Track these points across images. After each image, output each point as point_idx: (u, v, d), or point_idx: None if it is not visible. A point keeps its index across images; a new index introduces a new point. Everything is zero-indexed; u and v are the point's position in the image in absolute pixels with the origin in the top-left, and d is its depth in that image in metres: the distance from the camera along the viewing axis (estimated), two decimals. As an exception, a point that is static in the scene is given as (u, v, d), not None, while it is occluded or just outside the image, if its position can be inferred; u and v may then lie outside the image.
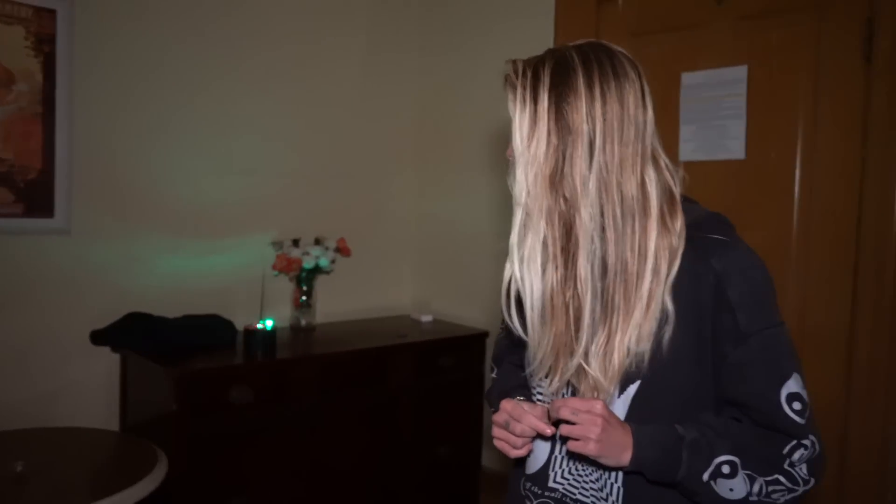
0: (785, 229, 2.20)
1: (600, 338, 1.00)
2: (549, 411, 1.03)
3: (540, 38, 2.77)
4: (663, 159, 1.04)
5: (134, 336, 2.35)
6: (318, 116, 2.96)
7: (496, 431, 1.08)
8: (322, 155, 2.98)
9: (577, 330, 1.01)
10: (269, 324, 2.44)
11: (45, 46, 2.23)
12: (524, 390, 1.19)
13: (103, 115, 2.40)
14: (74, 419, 2.35)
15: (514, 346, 1.28)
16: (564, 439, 1.02)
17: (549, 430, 1.02)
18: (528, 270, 1.01)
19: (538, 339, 1.04)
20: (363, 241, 3.06)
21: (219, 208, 2.70)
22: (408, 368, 2.69)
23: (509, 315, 1.06)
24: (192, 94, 2.60)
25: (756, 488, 0.99)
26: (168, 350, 2.32)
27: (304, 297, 2.82)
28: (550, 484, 1.13)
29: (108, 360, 2.44)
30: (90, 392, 2.41)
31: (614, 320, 1.00)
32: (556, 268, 1.00)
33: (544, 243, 1.00)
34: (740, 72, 2.31)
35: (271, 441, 2.33)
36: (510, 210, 3.29)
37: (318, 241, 2.83)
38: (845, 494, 2.09)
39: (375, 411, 2.61)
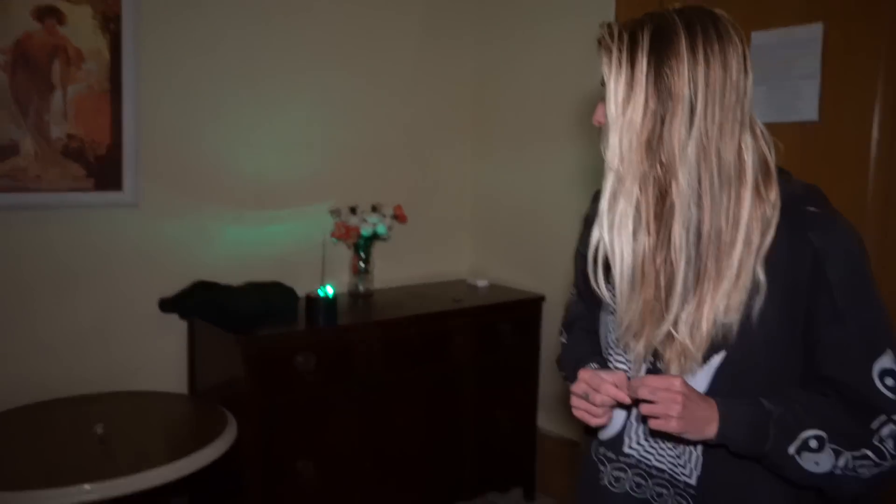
0: (859, 195, 2.10)
1: (691, 305, 0.99)
2: (627, 379, 1.03)
3: (600, 6, 2.69)
4: (760, 127, 1.02)
5: (201, 304, 2.44)
6: (376, 87, 2.96)
7: (575, 401, 1.08)
8: (380, 125, 2.99)
9: (668, 297, 1.00)
10: (329, 291, 2.49)
11: (111, 25, 2.28)
12: (598, 357, 1.20)
13: (168, 91, 2.45)
14: (148, 384, 2.47)
15: (587, 312, 1.28)
16: (641, 406, 1.02)
17: (628, 399, 1.02)
18: (618, 236, 1.00)
19: (626, 306, 1.03)
20: (420, 209, 3.08)
21: (279, 179, 2.74)
22: (467, 333, 2.71)
23: (596, 280, 1.06)
24: (252, 69, 2.63)
25: (842, 462, 0.98)
26: (233, 317, 2.40)
27: (361, 264, 2.86)
28: (625, 449, 1.14)
29: (177, 328, 2.54)
30: (161, 358, 2.52)
31: (705, 288, 0.99)
32: (649, 234, 0.99)
33: (637, 209, 0.99)
34: (815, 30, 2.19)
35: (335, 405, 2.40)
36: (567, 178, 3.24)
37: (375, 209, 2.86)
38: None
39: (435, 376, 2.65)
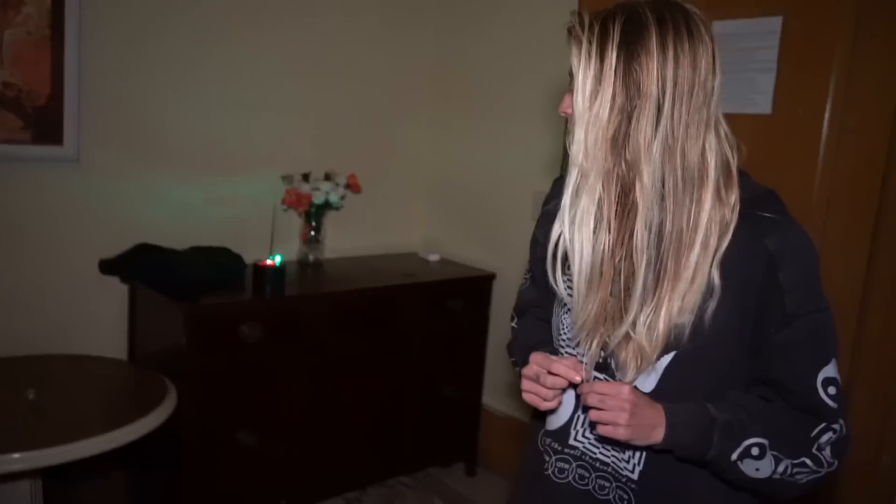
0: (806, 189, 2.15)
1: (649, 306, 0.99)
2: (579, 363, 1.03)
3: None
4: (724, 128, 1.01)
5: (144, 268, 2.35)
6: (334, 52, 2.87)
7: (526, 384, 1.08)
8: (336, 92, 2.91)
9: (627, 297, 0.99)
10: (278, 259, 2.43)
11: (53, -34, 2.14)
12: (549, 346, 1.19)
13: (113, 43, 2.33)
14: (84, 348, 2.38)
15: (541, 299, 1.27)
16: (590, 412, 1.02)
17: (578, 378, 1.02)
18: (578, 232, 0.99)
19: (582, 303, 1.03)
20: (375, 180, 3.03)
21: (230, 142, 2.65)
22: (416, 308, 2.70)
23: (554, 276, 1.05)
24: (204, 26, 2.52)
25: (781, 468, 1.00)
26: (178, 283, 2.32)
27: (312, 233, 2.81)
28: (571, 441, 1.15)
29: (117, 291, 2.45)
30: (100, 322, 2.44)
31: (664, 290, 0.98)
32: (609, 232, 0.98)
33: (598, 206, 0.98)
34: (774, 23, 2.21)
35: (279, 377, 2.37)
36: (524, 157, 3.24)
37: (328, 177, 2.80)
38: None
39: (383, 349, 2.63)
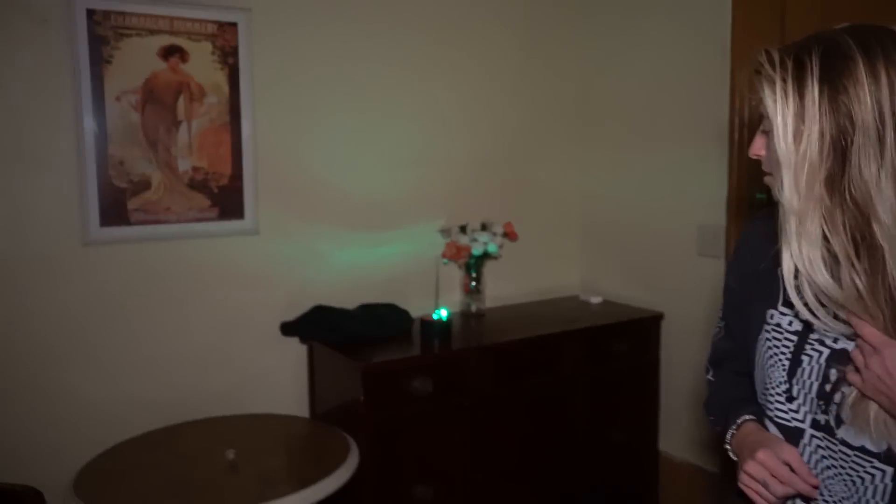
0: None
1: None
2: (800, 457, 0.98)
3: (712, 6, 2.57)
4: None
5: (320, 328, 2.47)
6: (478, 99, 2.93)
7: (748, 481, 1.02)
8: (484, 138, 2.96)
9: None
10: (443, 314, 2.47)
11: (229, 59, 2.36)
12: (752, 406, 1.12)
13: (278, 119, 2.51)
14: (270, 406, 2.52)
15: (736, 350, 1.19)
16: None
17: (815, 493, 0.96)
18: (817, 279, 0.91)
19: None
20: (528, 223, 3.02)
21: (388, 199, 2.76)
22: (580, 354, 2.64)
23: (815, 316, 0.96)
24: (356, 87, 2.65)
25: None
26: (350, 340, 2.42)
27: (473, 283, 2.84)
28: None
29: (297, 351, 2.59)
30: (282, 381, 2.58)
31: None
32: (859, 275, 0.90)
33: (825, 249, 0.90)
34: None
35: (450, 429, 2.38)
36: (678, 185, 3.10)
37: (484, 227, 2.83)
38: None
39: (549, 398, 2.59)
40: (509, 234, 2.86)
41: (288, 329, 2.52)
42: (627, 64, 2.97)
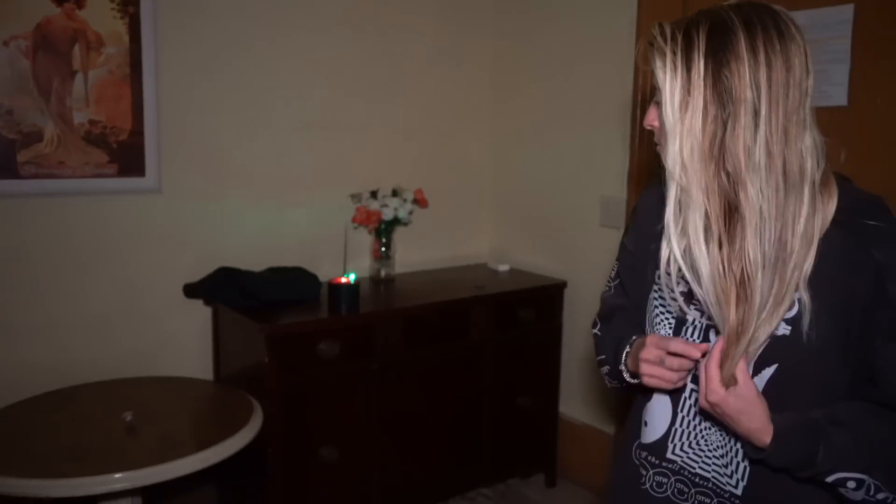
0: (890, 182, 2.07)
1: (763, 320, 0.96)
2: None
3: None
4: (816, 131, 0.97)
5: (225, 291, 2.43)
6: (393, 68, 2.92)
7: (647, 368, 1.05)
8: (398, 107, 2.96)
9: (748, 311, 0.96)
10: (351, 278, 2.48)
11: (130, 8, 2.25)
12: (639, 335, 1.17)
13: (186, 75, 2.43)
14: (173, 369, 2.48)
15: (628, 304, 1.26)
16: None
17: (698, 354, 1.00)
18: (694, 250, 0.96)
19: (719, 321, 0.99)
20: (440, 192, 3.06)
21: (299, 164, 2.72)
22: (487, 319, 2.71)
23: (672, 292, 1.03)
24: (270, 52, 2.60)
25: (881, 496, 0.97)
26: (257, 304, 2.39)
27: (383, 249, 2.85)
28: (668, 455, 1.13)
29: (201, 314, 2.54)
30: (186, 344, 2.53)
31: (775, 303, 0.95)
32: (721, 247, 0.95)
33: (705, 220, 0.95)
34: (845, 11, 2.14)
35: (358, 392, 2.41)
36: (589, 159, 3.20)
37: (395, 193, 2.84)
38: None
39: (456, 362, 2.65)
40: (420, 201, 2.88)
41: (191, 291, 2.47)
42: (539, 38, 3.02)
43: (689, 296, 1.06)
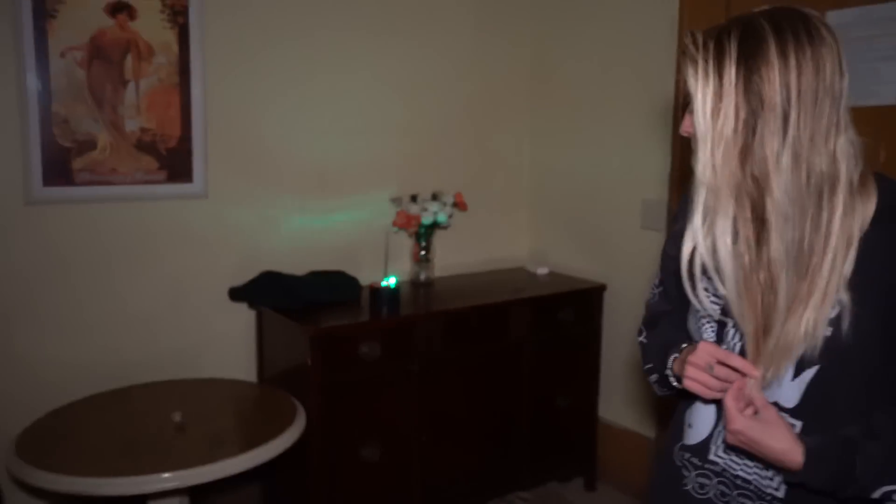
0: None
1: (789, 321, 0.97)
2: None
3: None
4: (853, 131, 0.97)
5: (268, 293, 2.48)
6: (432, 71, 2.94)
7: (692, 372, 1.06)
8: (438, 110, 2.98)
9: (771, 313, 0.97)
10: (392, 282, 2.51)
11: (179, 18, 2.31)
12: (691, 343, 1.17)
13: (231, 82, 2.48)
14: (218, 370, 2.53)
15: (673, 311, 1.26)
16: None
17: (756, 373, 1.00)
18: (720, 251, 0.98)
19: (740, 322, 1.02)
20: (479, 195, 3.07)
21: (340, 167, 2.76)
22: (526, 322, 2.71)
23: (694, 292, 1.04)
24: (312, 57, 2.64)
25: None
26: (300, 304, 2.44)
27: (423, 252, 2.87)
28: (711, 457, 1.13)
29: (245, 316, 2.59)
30: (230, 345, 2.58)
31: (798, 303, 0.96)
32: (748, 249, 0.97)
33: (734, 224, 0.97)
34: (895, 8, 2.10)
35: (398, 393, 2.43)
36: (628, 161, 3.17)
37: (435, 197, 2.86)
38: None
39: (495, 364, 2.66)
40: (459, 205, 2.90)
41: (236, 294, 2.52)
42: (579, 36, 3.01)
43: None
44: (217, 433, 2.05)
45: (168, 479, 1.80)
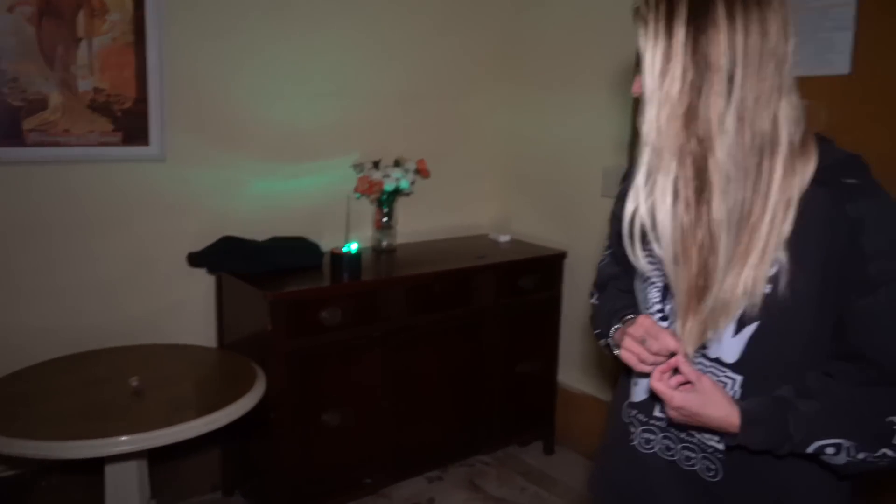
0: (892, 151, 2.08)
1: (729, 279, 0.99)
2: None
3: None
4: (796, 95, 0.99)
5: (229, 258, 2.46)
6: (398, 36, 2.91)
7: (628, 343, 1.08)
8: (402, 76, 2.95)
9: (710, 273, 0.99)
10: (353, 247, 2.50)
11: (133, -26, 2.25)
12: (634, 310, 1.20)
13: (192, 41, 2.43)
14: (177, 336, 2.51)
15: (622, 273, 1.28)
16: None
17: (683, 351, 1.02)
18: (658, 212, 0.99)
19: (673, 281, 1.03)
20: (443, 163, 3.06)
21: (302, 131, 2.73)
22: (489, 287, 2.73)
23: (633, 252, 1.05)
24: (276, 18, 2.59)
25: (860, 457, 1.00)
26: (260, 272, 2.42)
27: (385, 219, 2.87)
28: (656, 413, 1.16)
29: (205, 282, 2.57)
30: (190, 311, 2.56)
31: (739, 262, 0.98)
32: (688, 209, 0.98)
33: (675, 184, 0.98)
34: (851, -21, 2.13)
35: (359, 359, 2.45)
36: (592, 133, 3.20)
37: (398, 163, 2.85)
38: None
39: (458, 331, 2.68)
40: (422, 171, 2.89)
41: (195, 259, 2.49)
42: (549, 8, 3.00)
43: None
44: (175, 397, 2.04)
45: (125, 442, 1.79)
